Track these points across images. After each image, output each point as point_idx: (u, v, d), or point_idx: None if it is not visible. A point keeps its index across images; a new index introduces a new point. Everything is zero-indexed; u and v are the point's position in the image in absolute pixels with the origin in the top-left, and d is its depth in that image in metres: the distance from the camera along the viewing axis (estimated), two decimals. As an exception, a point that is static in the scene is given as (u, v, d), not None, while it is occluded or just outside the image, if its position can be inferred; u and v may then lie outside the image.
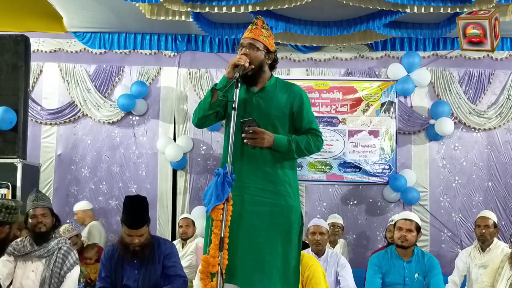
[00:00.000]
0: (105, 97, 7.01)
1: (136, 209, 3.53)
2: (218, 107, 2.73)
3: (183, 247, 5.64)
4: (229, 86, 2.58)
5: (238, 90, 2.58)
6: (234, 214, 2.56)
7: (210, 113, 2.74)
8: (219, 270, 2.44)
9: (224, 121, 2.90)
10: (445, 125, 6.54)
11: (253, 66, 2.69)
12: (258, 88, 2.78)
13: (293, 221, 2.71)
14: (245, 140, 2.62)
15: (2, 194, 5.44)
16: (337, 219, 5.92)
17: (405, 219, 4.10)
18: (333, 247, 5.61)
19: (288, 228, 2.69)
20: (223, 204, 2.49)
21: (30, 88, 6.65)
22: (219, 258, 2.45)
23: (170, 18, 6.02)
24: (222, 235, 2.46)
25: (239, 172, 2.63)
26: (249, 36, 2.76)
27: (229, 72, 2.62)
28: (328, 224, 5.76)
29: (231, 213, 2.54)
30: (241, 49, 2.74)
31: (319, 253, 4.44)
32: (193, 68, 6.98)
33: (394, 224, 4.22)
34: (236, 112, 2.56)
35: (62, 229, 5.51)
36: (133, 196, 3.69)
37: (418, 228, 4.08)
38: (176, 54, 7.02)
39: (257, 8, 5.54)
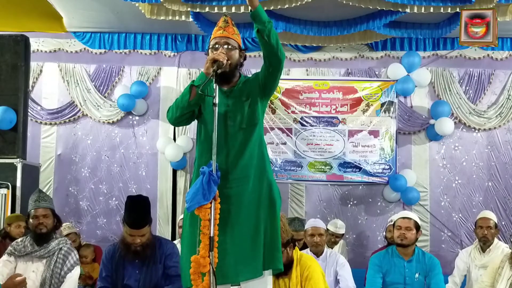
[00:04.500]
0: (105, 97, 7.00)
1: (138, 209, 3.52)
2: (196, 105, 2.70)
3: (183, 247, 5.63)
4: (207, 80, 2.54)
5: (217, 85, 2.56)
6: (220, 212, 2.55)
7: (188, 111, 2.71)
8: (211, 270, 2.43)
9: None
10: (445, 125, 6.54)
11: (231, 63, 2.67)
12: (227, 88, 2.76)
13: (276, 197, 2.75)
14: None
15: (2, 194, 5.44)
16: (338, 228, 5.75)
17: (404, 218, 4.13)
18: (332, 248, 5.60)
19: (272, 203, 2.73)
20: (210, 203, 2.47)
21: (30, 88, 6.64)
22: (210, 257, 2.43)
23: (170, 18, 6.02)
24: (211, 235, 2.44)
25: (222, 170, 2.61)
26: (224, 35, 2.73)
27: (208, 67, 2.58)
28: (327, 229, 5.77)
29: (219, 211, 2.53)
30: (216, 49, 2.70)
31: (317, 252, 4.44)
32: (193, 68, 6.97)
33: (393, 224, 4.23)
34: (216, 108, 2.53)
35: (62, 226, 5.53)
36: (135, 196, 3.70)
37: (417, 227, 4.10)
38: (176, 54, 7.02)
39: (257, 8, 5.53)
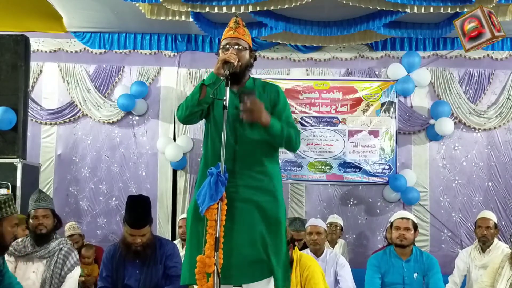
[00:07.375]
0: (105, 97, 7.00)
1: (139, 209, 3.53)
2: (206, 104, 2.71)
3: (183, 247, 5.63)
4: (220, 83, 2.55)
5: (228, 88, 2.57)
6: (226, 214, 2.56)
7: (198, 110, 2.71)
8: (216, 270, 2.43)
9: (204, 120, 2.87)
10: (445, 125, 6.54)
11: (241, 64, 2.68)
12: (237, 89, 2.76)
13: (281, 215, 2.74)
14: (241, 115, 2.53)
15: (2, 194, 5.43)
16: (336, 219, 5.91)
17: (402, 218, 4.13)
18: (332, 247, 5.60)
19: (277, 221, 2.71)
20: (217, 204, 2.48)
21: (30, 88, 6.64)
22: (215, 258, 2.44)
23: (170, 18, 6.02)
24: (217, 235, 2.45)
25: (230, 172, 2.62)
26: (235, 36, 2.74)
27: (219, 68, 2.59)
28: (326, 224, 5.79)
29: (225, 213, 2.54)
30: (227, 50, 2.71)
31: (317, 252, 4.45)
32: (193, 68, 6.98)
33: (391, 225, 4.23)
34: (227, 110, 2.54)
35: (67, 226, 5.54)
36: (136, 196, 3.71)
37: (415, 226, 4.12)
38: (176, 54, 7.02)
39: (257, 8, 5.54)
